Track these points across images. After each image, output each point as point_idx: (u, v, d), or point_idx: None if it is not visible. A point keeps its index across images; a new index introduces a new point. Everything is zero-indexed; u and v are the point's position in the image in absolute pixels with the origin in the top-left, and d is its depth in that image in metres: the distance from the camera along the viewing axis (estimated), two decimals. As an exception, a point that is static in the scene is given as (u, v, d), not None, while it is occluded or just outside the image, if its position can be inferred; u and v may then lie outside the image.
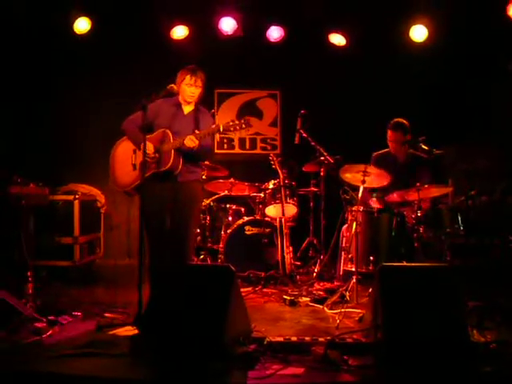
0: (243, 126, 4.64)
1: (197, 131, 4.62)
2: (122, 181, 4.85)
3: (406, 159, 5.94)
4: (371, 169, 5.25)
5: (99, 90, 7.71)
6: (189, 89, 4.76)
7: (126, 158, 4.84)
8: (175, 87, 4.67)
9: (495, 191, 6.46)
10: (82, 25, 7.55)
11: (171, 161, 4.59)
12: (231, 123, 4.63)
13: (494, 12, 7.32)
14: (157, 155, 4.62)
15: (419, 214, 5.21)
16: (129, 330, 4.10)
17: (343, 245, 5.70)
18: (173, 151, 4.60)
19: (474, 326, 3.92)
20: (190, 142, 4.52)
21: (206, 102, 6.65)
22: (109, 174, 4.94)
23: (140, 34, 7.65)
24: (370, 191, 5.77)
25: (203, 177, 6.57)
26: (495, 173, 7.01)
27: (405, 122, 5.86)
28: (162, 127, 4.71)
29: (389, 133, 5.90)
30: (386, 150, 6.03)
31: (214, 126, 4.68)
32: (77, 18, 7.53)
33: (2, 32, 7.14)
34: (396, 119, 5.89)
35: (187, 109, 4.88)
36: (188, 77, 4.74)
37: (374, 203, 5.67)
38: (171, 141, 4.62)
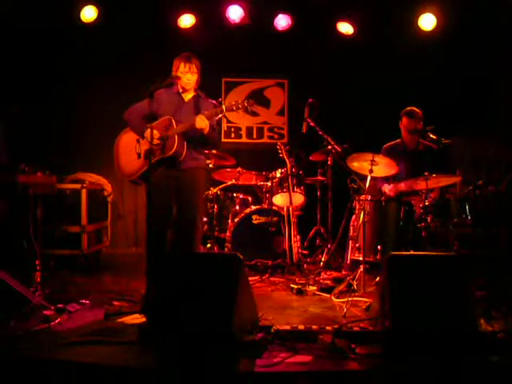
0: (245, 104, 4.68)
1: (206, 112, 4.65)
2: (128, 170, 4.87)
3: (417, 148, 5.94)
4: (379, 158, 5.23)
5: (106, 79, 7.70)
6: (184, 76, 4.78)
7: (130, 147, 4.86)
8: (180, 76, 4.68)
9: (502, 182, 6.44)
10: (89, 13, 7.55)
11: (175, 146, 4.61)
12: (233, 103, 4.71)
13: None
14: (161, 142, 4.64)
15: (427, 204, 5.19)
16: (137, 318, 4.12)
17: (351, 234, 5.70)
18: (176, 137, 4.63)
19: (481, 316, 3.91)
20: (201, 121, 4.56)
21: (214, 90, 6.66)
22: (114, 165, 4.98)
23: (147, 23, 7.64)
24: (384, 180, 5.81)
25: (210, 165, 6.59)
26: (502, 163, 6.99)
27: (418, 110, 5.88)
28: (165, 116, 4.73)
29: (404, 120, 5.88)
30: (397, 140, 6.03)
31: (218, 108, 4.75)
32: (83, 7, 7.53)
33: (9, 18, 7.14)
34: (410, 107, 5.89)
35: (187, 96, 4.92)
36: (182, 65, 4.78)
37: (390, 191, 5.70)
38: (174, 127, 4.65)
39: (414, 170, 5.49)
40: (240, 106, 4.68)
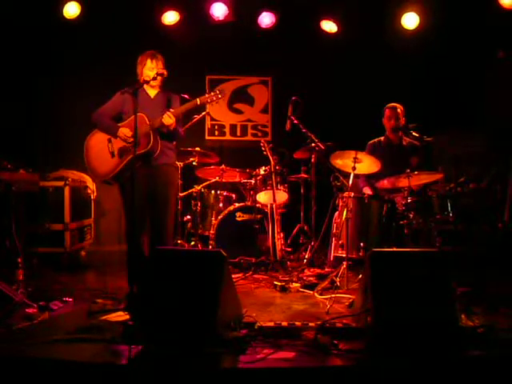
0: (219, 95, 4.75)
1: (171, 109, 4.67)
2: (102, 170, 4.84)
3: (401, 144, 6.01)
4: (362, 155, 5.26)
5: (90, 76, 7.65)
6: (151, 73, 4.77)
7: (101, 147, 4.84)
8: (165, 72, 4.68)
9: (483, 179, 6.51)
10: (72, 9, 7.50)
11: (151, 142, 4.63)
12: (207, 95, 4.74)
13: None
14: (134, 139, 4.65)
15: (409, 201, 5.24)
16: (120, 316, 4.12)
17: (334, 231, 5.73)
18: (151, 133, 4.64)
19: (462, 311, 3.96)
20: (168, 118, 4.59)
21: (197, 87, 6.64)
22: (87, 169, 4.97)
23: (130, 19, 7.61)
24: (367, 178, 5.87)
25: (194, 163, 6.59)
26: (483, 160, 7.06)
27: (400, 106, 6.05)
28: (131, 114, 4.72)
29: (386, 113, 6.01)
30: (380, 137, 6.10)
31: (191, 101, 4.75)
32: (66, 3, 7.47)
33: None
34: (392, 103, 6.07)
35: (152, 92, 4.92)
36: (149, 61, 4.79)
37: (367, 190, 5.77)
38: (147, 123, 4.65)
39: (398, 165, 5.54)
40: (214, 99, 4.74)
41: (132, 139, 4.62)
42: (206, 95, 4.75)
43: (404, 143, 6.04)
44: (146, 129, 4.65)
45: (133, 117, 4.68)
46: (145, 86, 4.85)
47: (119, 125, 4.77)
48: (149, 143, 4.63)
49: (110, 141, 4.81)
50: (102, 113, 4.89)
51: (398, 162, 5.68)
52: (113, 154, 4.78)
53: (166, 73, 4.68)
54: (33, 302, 4.29)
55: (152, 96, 4.91)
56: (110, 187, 7.09)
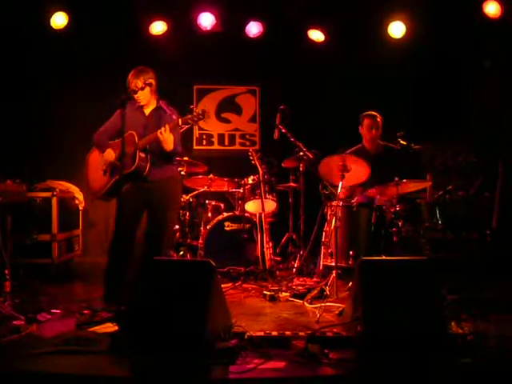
0: (200, 117, 4.68)
1: (163, 128, 4.63)
2: (94, 187, 4.95)
3: (378, 152, 6.02)
4: (351, 161, 5.25)
5: (77, 87, 7.62)
6: (136, 94, 4.77)
7: (97, 164, 4.92)
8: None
9: (472, 187, 6.54)
10: (59, 20, 7.48)
11: (137, 161, 4.65)
12: (189, 116, 4.68)
13: (471, 8, 7.41)
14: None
15: (398, 209, 5.24)
16: (108, 327, 4.07)
17: (323, 239, 5.72)
18: (138, 152, 4.64)
19: (452, 319, 3.96)
20: (160, 135, 4.59)
21: (185, 97, 6.62)
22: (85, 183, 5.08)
23: (118, 29, 7.60)
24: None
25: (182, 173, 6.57)
26: (471, 168, 7.10)
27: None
28: (128, 131, 4.72)
29: (366, 121, 6.03)
30: (358, 146, 6.11)
31: (174, 122, 4.72)
32: (54, 13, 7.45)
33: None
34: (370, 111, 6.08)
35: (148, 110, 4.91)
36: (132, 82, 4.76)
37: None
38: (136, 142, 4.66)
39: (378, 174, 5.54)
40: (195, 119, 4.68)
41: (115, 160, 4.74)
42: (189, 115, 4.69)
43: (381, 150, 6.04)
44: (132, 148, 4.65)
45: (125, 135, 4.71)
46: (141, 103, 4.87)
47: (113, 142, 4.83)
48: (133, 163, 4.62)
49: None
50: (101, 132, 4.94)
51: (378, 171, 5.67)
52: (105, 172, 4.82)
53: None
54: (20, 314, 4.24)
55: (147, 113, 4.90)
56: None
